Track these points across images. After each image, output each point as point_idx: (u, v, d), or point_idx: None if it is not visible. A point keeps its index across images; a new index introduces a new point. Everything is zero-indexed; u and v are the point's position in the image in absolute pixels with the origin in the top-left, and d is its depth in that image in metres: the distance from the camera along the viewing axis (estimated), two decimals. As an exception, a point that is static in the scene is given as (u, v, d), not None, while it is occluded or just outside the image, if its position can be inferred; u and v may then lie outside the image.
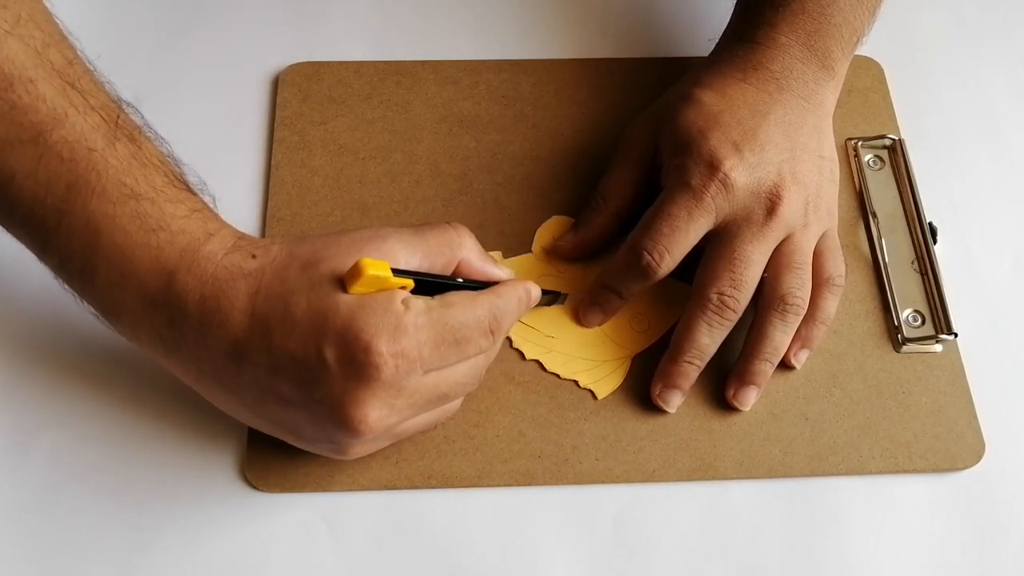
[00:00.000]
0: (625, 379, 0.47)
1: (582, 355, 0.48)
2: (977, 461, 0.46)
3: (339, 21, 0.59)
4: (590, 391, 0.47)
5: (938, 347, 0.49)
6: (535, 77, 0.56)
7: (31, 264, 0.50)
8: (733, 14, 0.52)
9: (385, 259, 0.37)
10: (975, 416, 0.47)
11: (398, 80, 0.56)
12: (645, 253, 0.45)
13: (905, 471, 0.46)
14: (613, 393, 0.47)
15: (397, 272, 0.37)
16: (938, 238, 0.51)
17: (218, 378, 0.39)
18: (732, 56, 0.49)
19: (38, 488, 0.45)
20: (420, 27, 0.59)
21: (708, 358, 0.46)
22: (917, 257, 0.51)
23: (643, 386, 0.47)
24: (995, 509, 0.46)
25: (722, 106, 0.46)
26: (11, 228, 0.41)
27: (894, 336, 0.49)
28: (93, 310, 0.41)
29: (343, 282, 0.36)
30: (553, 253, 0.51)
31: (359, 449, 0.40)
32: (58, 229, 0.38)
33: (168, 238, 0.38)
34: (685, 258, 0.46)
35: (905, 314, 0.49)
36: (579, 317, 0.49)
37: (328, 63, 0.57)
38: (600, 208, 0.49)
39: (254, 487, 0.45)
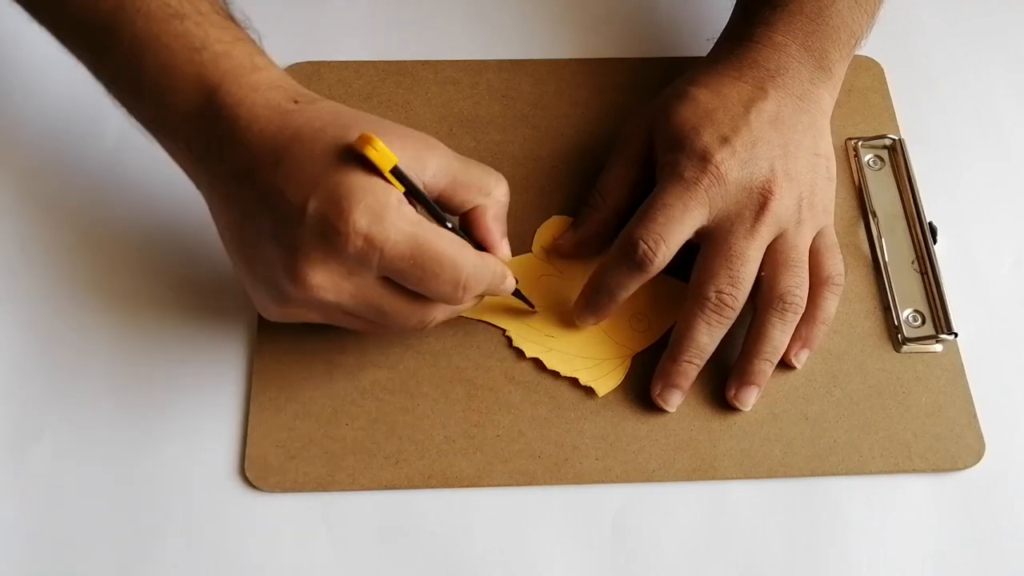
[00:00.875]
0: (625, 379, 0.47)
1: (582, 354, 0.48)
2: (977, 461, 0.46)
3: (339, 21, 0.59)
4: (590, 388, 0.47)
5: (938, 347, 0.49)
6: (535, 77, 0.56)
7: (31, 264, 0.51)
8: (732, 14, 0.52)
9: (418, 164, 0.39)
10: (975, 416, 0.47)
11: (398, 80, 0.56)
12: (641, 242, 0.45)
13: (905, 471, 0.46)
14: (613, 393, 0.47)
15: (401, 178, 0.38)
16: (938, 238, 0.51)
17: (221, 192, 0.41)
18: (728, 55, 0.49)
19: (38, 488, 0.45)
20: (420, 27, 0.59)
21: (707, 357, 0.46)
22: (917, 257, 0.51)
23: (643, 386, 0.47)
24: (995, 509, 0.46)
25: (716, 103, 0.47)
26: (69, 46, 0.44)
27: (894, 336, 0.49)
28: (139, 124, 0.43)
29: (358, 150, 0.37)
30: (553, 252, 0.51)
31: (290, 308, 0.40)
32: (107, 47, 0.41)
33: (211, 58, 0.40)
34: (681, 256, 0.46)
35: (905, 314, 0.49)
36: (571, 319, 0.49)
37: (328, 63, 0.57)
38: (599, 206, 0.50)
39: (254, 487, 0.45)
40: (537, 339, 0.48)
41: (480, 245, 0.43)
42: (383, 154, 0.37)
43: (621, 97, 0.56)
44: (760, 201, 0.45)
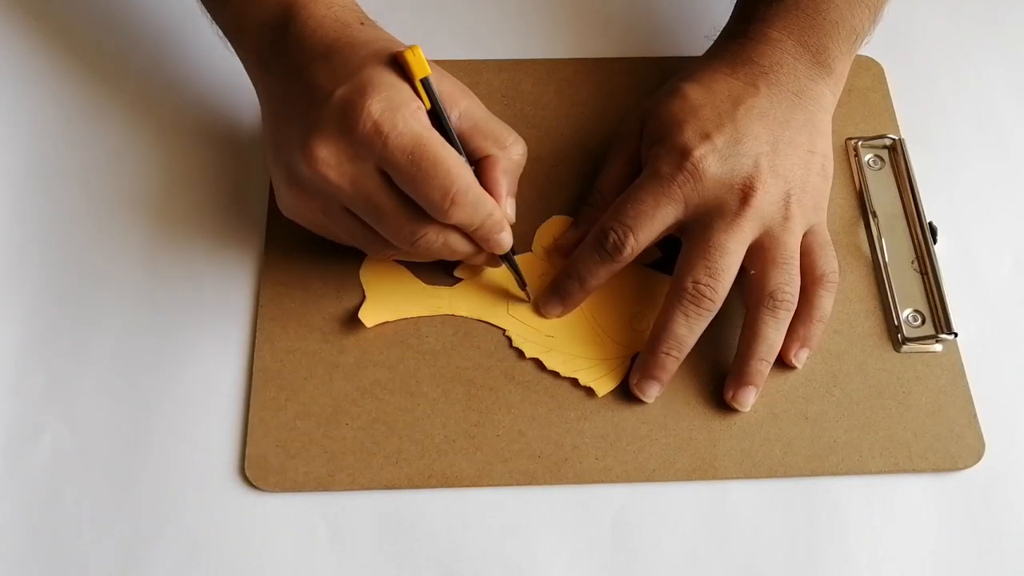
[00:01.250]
0: (625, 378, 0.47)
1: (582, 354, 0.48)
2: (977, 461, 0.46)
3: (339, 21, 0.59)
4: (590, 388, 0.47)
5: (938, 347, 0.49)
6: (535, 77, 0.56)
7: (31, 264, 0.51)
8: (732, 13, 0.52)
9: (449, 99, 0.43)
10: (975, 416, 0.47)
11: (398, 80, 0.56)
12: (611, 232, 0.46)
13: (905, 471, 0.46)
14: (613, 393, 0.47)
15: (428, 87, 0.42)
16: (938, 238, 0.51)
17: (274, 91, 0.45)
18: (723, 51, 0.49)
19: (38, 488, 0.45)
20: (420, 27, 0.59)
21: (687, 349, 0.46)
22: (917, 257, 0.51)
23: (643, 386, 0.47)
24: (995, 509, 0.46)
25: (704, 99, 0.47)
26: None
27: (894, 336, 0.49)
28: (220, 31, 0.48)
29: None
30: (554, 252, 0.51)
31: (298, 192, 0.44)
32: None
33: None
34: (675, 256, 0.47)
35: (905, 314, 0.49)
36: (538, 307, 0.49)
37: (328, 63, 0.57)
38: (598, 203, 0.50)
39: (254, 487, 0.45)
40: (537, 339, 0.48)
41: None
42: (420, 63, 0.41)
43: (621, 97, 0.56)
44: (742, 196, 0.45)
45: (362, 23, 0.44)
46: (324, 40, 0.43)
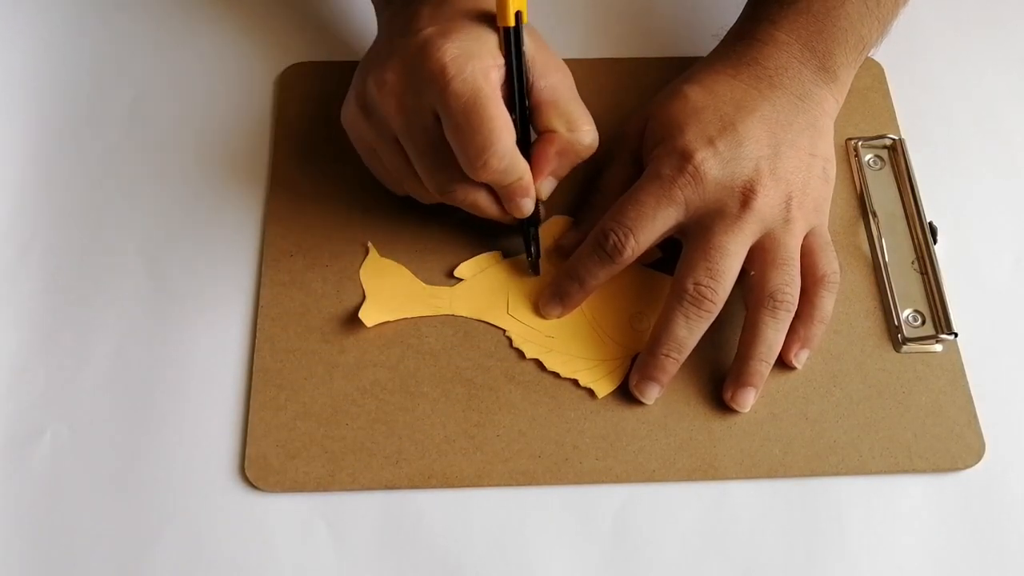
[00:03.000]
0: (625, 379, 0.47)
1: (582, 354, 0.48)
2: (977, 461, 0.46)
3: (339, 21, 0.59)
4: (590, 390, 0.47)
5: (938, 347, 0.49)
6: (535, 77, 0.56)
7: (31, 264, 0.51)
8: (741, 13, 0.52)
9: (542, 66, 0.45)
10: (975, 416, 0.47)
11: (398, 80, 0.56)
12: (611, 233, 0.46)
13: (905, 471, 0.46)
14: (613, 393, 0.47)
15: (520, 22, 0.43)
16: (938, 238, 0.51)
17: (386, 21, 0.49)
18: (729, 53, 0.49)
19: (38, 488, 0.45)
20: (420, 27, 0.59)
21: (687, 351, 0.46)
22: (917, 257, 0.51)
23: (643, 386, 0.47)
24: (995, 509, 0.46)
25: (706, 101, 0.47)
26: None
27: (894, 336, 0.49)
28: None
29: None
30: (555, 253, 0.51)
31: (357, 107, 0.46)
32: None
33: None
34: (676, 257, 0.47)
35: (905, 314, 0.49)
36: (537, 308, 0.49)
37: (328, 63, 0.57)
38: (599, 204, 0.50)
39: (254, 487, 0.45)
40: (537, 339, 0.48)
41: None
42: (516, 4, 0.42)
43: (622, 97, 0.56)
44: (742, 199, 0.45)
45: None
46: (424, 20, 0.44)
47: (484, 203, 0.46)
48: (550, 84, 0.45)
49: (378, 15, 0.51)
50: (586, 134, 0.46)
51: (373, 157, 0.49)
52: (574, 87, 0.46)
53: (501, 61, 0.43)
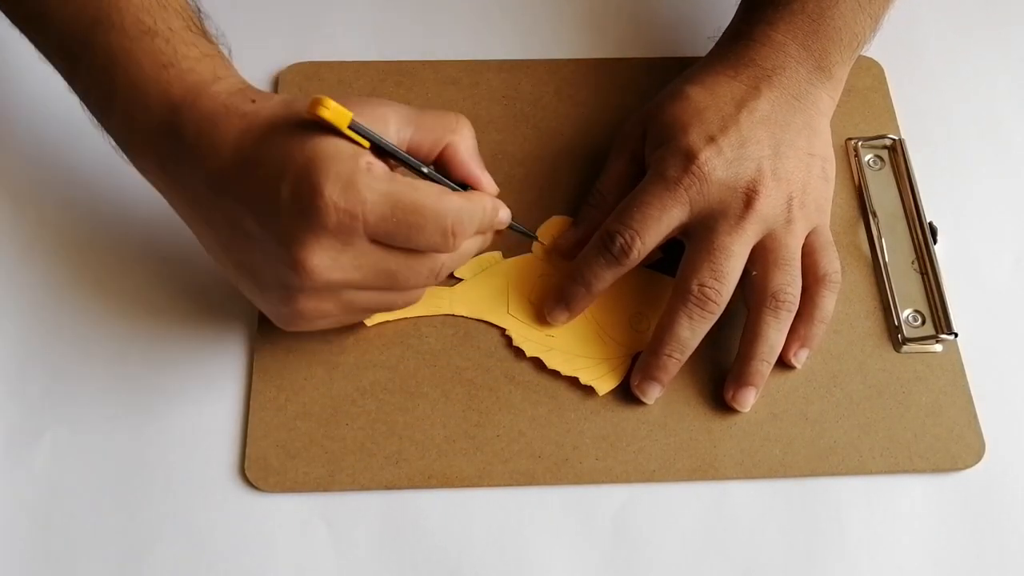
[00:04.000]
0: (625, 378, 0.47)
1: (582, 353, 0.48)
2: (977, 461, 0.46)
3: (339, 21, 0.59)
4: (591, 387, 0.47)
5: (938, 347, 0.49)
6: (535, 77, 0.56)
7: (31, 264, 0.51)
8: (735, 14, 0.52)
9: (375, 119, 0.39)
10: (975, 416, 0.47)
11: (398, 80, 0.56)
12: (617, 236, 0.46)
13: (905, 471, 0.46)
14: (613, 393, 0.47)
15: (358, 128, 0.38)
16: (938, 238, 0.51)
17: (202, 210, 0.41)
18: (727, 53, 0.49)
19: (38, 488, 0.45)
20: (420, 27, 0.59)
21: (689, 351, 0.46)
22: (917, 257, 0.51)
23: (643, 386, 0.47)
24: (995, 509, 0.46)
25: (707, 101, 0.47)
26: (47, 55, 0.45)
27: (894, 336, 0.49)
28: (111, 140, 0.44)
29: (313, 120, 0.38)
30: (553, 252, 0.51)
31: (307, 304, 0.40)
32: (82, 60, 0.42)
33: (178, 75, 0.41)
34: (679, 255, 0.47)
35: (905, 314, 0.49)
36: (542, 314, 0.49)
37: (328, 63, 0.57)
38: (598, 204, 0.50)
39: (254, 487, 0.45)
40: (537, 338, 0.48)
41: (464, 184, 0.43)
42: (336, 111, 0.37)
43: (621, 97, 0.56)
44: (745, 200, 0.45)
45: (253, 101, 0.40)
46: (229, 142, 0.39)
47: (471, 247, 0.43)
48: (398, 120, 0.40)
49: (155, 183, 0.43)
50: (464, 125, 0.42)
51: (347, 319, 0.44)
52: (402, 104, 0.41)
53: (373, 158, 0.38)
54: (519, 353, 0.48)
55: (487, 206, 0.42)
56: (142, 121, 0.41)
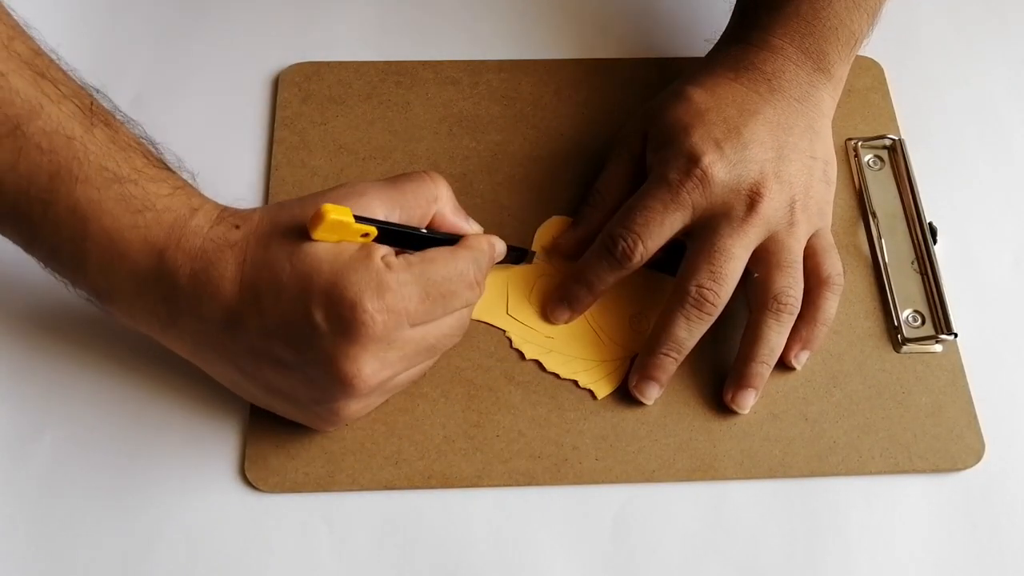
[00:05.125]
0: (624, 379, 0.47)
1: (582, 355, 0.48)
2: (977, 461, 0.46)
3: (339, 21, 0.59)
4: (589, 391, 0.47)
5: (938, 347, 0.49)
6: (535, 77, 0.56)
7: (30, 262, 0.50)
8: (731, 17, 0.52)
9: (364, 213, 0.39)
10: (975, 416, 0.47)
11: (398, 80, 0.56)
12: (620, 240, 0.46)
13: (905, 471, 0.46)
14: (613, 393, 0.47)
15: (360, 219, 0.38)
16: (938, 238, 0.51)
17: (214, 347, 0.41)
18: (726, 56, 0.49)
19: (38, 488, 0.45)
20: (420, 27, 0.59)
21: (687, 351, 0.46)
22: (917, 257, 0.51)
23: (643, 386, 0.47)
24: (995, 509, 0.46)
25: (710, 104, 0.47)
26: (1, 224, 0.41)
27: (894, 336, 0.49)
28: (87, 295, 0.42)
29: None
30: (553, 252, 0.51)
31: (354, 408, 0.41)
32: (44, 219, 0.39)
33: (155, 217, 0.39)
34: (680, 256, 0.47)
35: (905, 314, 0.49)
36: (545, 313, 0.49)
37: (328, 63, 0.57)
38: (597, 204, 0.50)
39: (254, 487, 0.45)
40: (537, 340, 0.48)
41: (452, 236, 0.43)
42: (337, 222, 0.37)
43: (621, 97, 0.56)
44: (748, 203, 0.45)
45: (237, 227, 0.39)
46: (228, 278, 0.39)
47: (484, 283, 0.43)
48: (384, 206, 0.40)
49: (151, 333, 0.42)
50: (441, 186, 0.43)
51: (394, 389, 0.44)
52: (377, 182, 0.41)
53: (385, 250, 0.39)
54: (519, 354, 0.48)
55: (485, 248, 0.43)
56: (124, 272, 0.39)
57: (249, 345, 0.39)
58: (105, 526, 0.44)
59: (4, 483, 0.45)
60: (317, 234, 0.37)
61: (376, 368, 0.39)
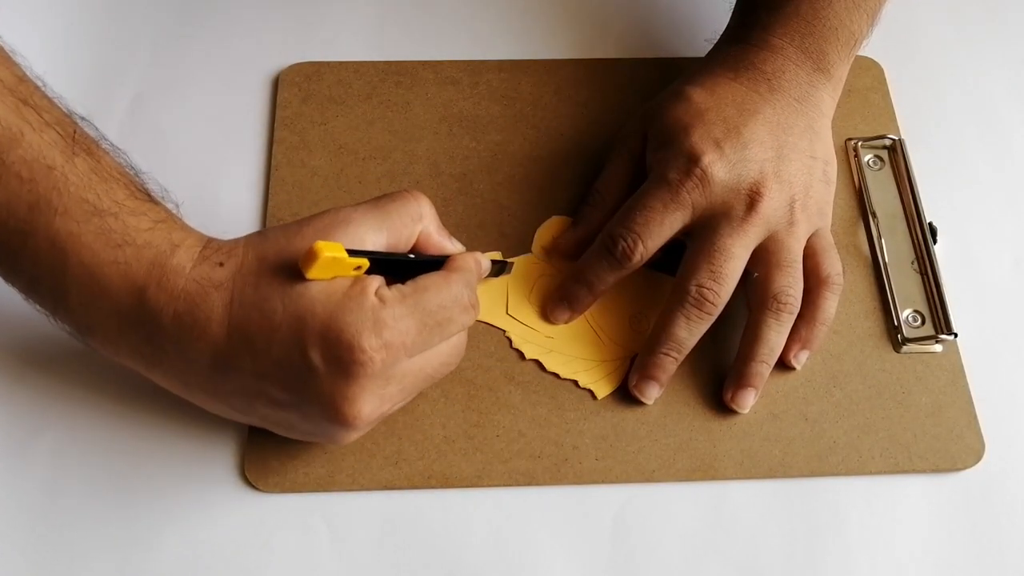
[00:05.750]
0: (625, 379, 0.47)
1: (582, 355, 0.48)
2: (977, 461, 0.46)
3: (339, 21, 0.59)
4: (589, 391, 0.47)
5: (938, 347, 0.49)
6: (535, 77, 0.56)
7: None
8: (731, 17, 0.52)
9: (353, 243, 0.38)
10: (975, 416, 0.47)
11: (398, 80, 0.56)
12: (620, 240, 0.46)
13: (905, 471, 0.46)
14: (613, 393, 0.47)
15: (353, 253, 0.37)
16: (938, 238, 0.51)
17: (204, 387, 0.40)
18: (726, 56, 0.49)
19: (38, 488, 0.45)
20: (420, 27, 0.59)
21: (686, 351, 0.46)
22: (917, 257, 0.51)
23: (643, 386, 0.47)
24: (995, 509, 0.46)
25: (709, 103, 0.47)
26: None
27: (894, 336, 0.49)
28: (69, 330, 0.41)
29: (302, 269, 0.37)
30: (553, 252, 0.51)
31: (354, 436, 0.41)
32: (23, 250, 0.38)
33: (135, 253, 0.38)
34: (680, 256, 0.47)
35: (905, 314, 0.49)
36: (545, 313, 0.49)
37: (328, 63, 0.57)
38: (597, 204, 0.50)
39: (254, 487, 0.45)
40: (537, 340, 0.48)
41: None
42: (330, 261, 0.36)
43: (621, 97, 0.56)
44: (748, 202, 0.45)
45: (221, 264, 0.38)
46: (216, 319, 0.37)
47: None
48: (369, 235, 0.39)
49: (140, 367, 0.41)
50: (424, 205, 0.42)
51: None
52: (360, 207, 0.40)
53: (377, 284, 0.38)
54: (519, 354, 0.48)
55: (472, 265, 0.42)
56: (105, 309, 0.38)
57: (242, 385, 0.38)
58: (105, 526, 0.44)
59: (4, 483, 0.45)
60: (311, 273, 0.36)
61: (375, 405, 0.38)
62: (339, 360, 0.36)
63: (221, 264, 0.38)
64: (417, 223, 0.42)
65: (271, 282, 0.37)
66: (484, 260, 0.44)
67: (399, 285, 0.39)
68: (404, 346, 0.38)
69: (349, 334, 0.36)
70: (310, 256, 0.36)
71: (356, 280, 0.38)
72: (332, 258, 0.36)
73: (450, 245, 0.43)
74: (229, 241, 0.40)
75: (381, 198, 0.41)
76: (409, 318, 0.38)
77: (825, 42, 0.48)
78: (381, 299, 0.37)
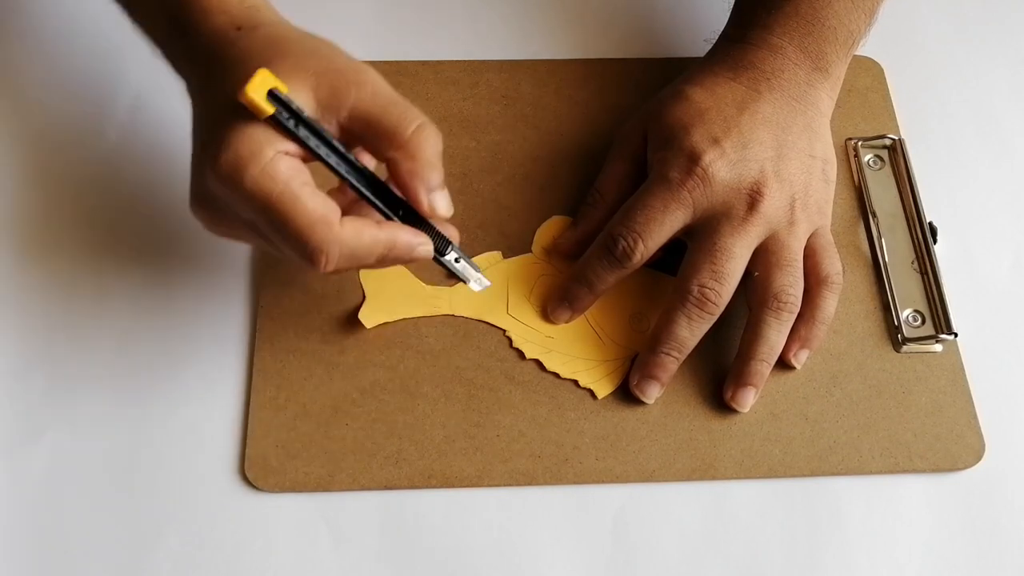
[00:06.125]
0: (625, 379, 0.47)
1: (582, 355, 0.48)
2: (977, 461, 0.46)
3: (339, 21, 0.59)
4: (590, 391, 0.47)
5: (938, 347, 0.49)
6: (535, 77, 0.56)
7: (31, 264, 0.51)
8: (730, 16, 0.52)
9: (333, 109, 0.38)
10: (975, 416, 0.47)
11: (398, 80, 0.56)
12: (620, 239, 0.46)
13: (905, 471, 0.46)
14: (613, 393, 0.47)
15: (280, 119, 0.37)
16: (938, 238, 0.51)
17: (191, 98, 0.42)
18: (725, 56, 0.49)
19: (38, 488, 0.45)
20: (420, 27, 0.59)
21: (688, 350, 0.46)
22: (917, 257, 0.51)
23: (643, 386, 0.47)
24: (995, 509, 0.46)
25: (709, 103, 0.47)
26: None
27: (894, 336, 0.49)
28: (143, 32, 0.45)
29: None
30: (553, 252, 0.51)
31: (208, 207, 0.40)
32: None
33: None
34: (681, 256, 0.47)
35: (905, 314, 0.49)
36: (546, 313, 0.49)
37: (328, 63, 0.56)
38: (597, 203, 0.50)
39: (254, 487, 0.45)
40: (537, 340, 0.48)
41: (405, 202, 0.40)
42: (260, 99, 0.36)
43: (621, 97, 0.56)
44: (749, 201, 0.45)
45: (239, 28, 0.40)
46: (204, 60, 0.40)
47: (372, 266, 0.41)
48: (353, 109, 0.38)
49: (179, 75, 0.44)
50: (422, 133, 0.38)
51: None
52: (375, 87, 0.39)
53: (285, 146, 0.38)
54: (519, 354, 0.48)
55: (390, 246, 0.39)
56: (154, 29, 0.45)
57: (196, 114, 0.41)
58: (105, 526, 0.44)
59: (4, 483, 0.45)
60: (243, 97, 0.36)
61: (203, 217, 0.40)
62: (208, 151, 0.38)
63: (239, 28, 0.40)
64: (393, 149, 0.38)
65: (246, 68, 0.38)
66: (421, 247, 0.40)
67: (303, 173, 0.38)
68: (236, 200, 0.37)
69: (224, 144, 0.37)
70: (248, 89, 0.36)
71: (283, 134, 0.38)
72: (257, 100, 0.36)
73: (420, 193, 0.39)
74: (261, 17, 0.42)
75: (401, 100, 0.39)
76: (258, 195, 0.37)
77: (824, 41, 0.48)
78: (272, 159, 0.37)
